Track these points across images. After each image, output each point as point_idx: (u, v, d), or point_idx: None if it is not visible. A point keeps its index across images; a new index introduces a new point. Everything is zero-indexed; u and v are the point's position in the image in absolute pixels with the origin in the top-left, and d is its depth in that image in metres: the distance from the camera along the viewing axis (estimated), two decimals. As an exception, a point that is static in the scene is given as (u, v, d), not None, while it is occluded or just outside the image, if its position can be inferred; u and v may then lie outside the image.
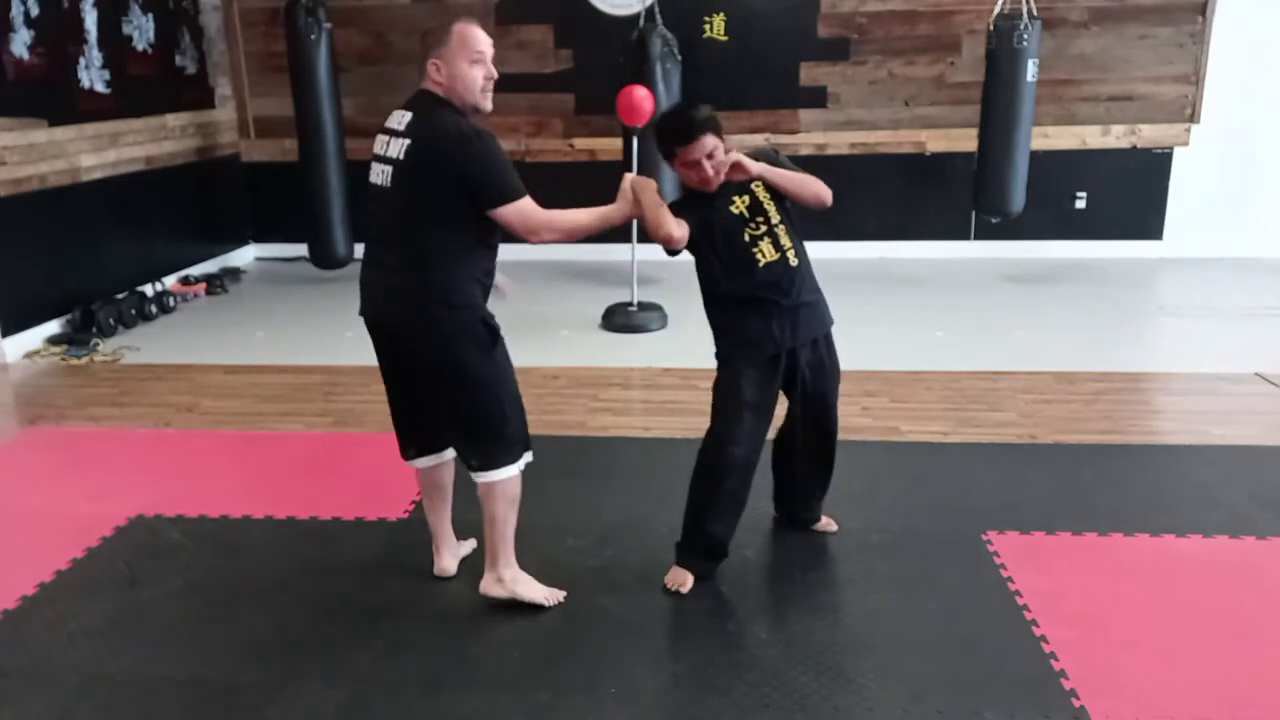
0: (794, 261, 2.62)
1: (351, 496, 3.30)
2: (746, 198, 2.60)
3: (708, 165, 2.54)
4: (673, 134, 2.57)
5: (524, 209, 2.38)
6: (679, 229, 2.51)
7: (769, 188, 2.63)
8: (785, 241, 2.61)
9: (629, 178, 2.60)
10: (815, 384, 2.73)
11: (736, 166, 2.56)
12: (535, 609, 2.62)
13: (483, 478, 2.54)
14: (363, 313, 2.57)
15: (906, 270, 6.52)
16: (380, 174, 2.44)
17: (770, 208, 2.61)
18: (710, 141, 2.53)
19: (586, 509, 3.16)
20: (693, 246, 2.60)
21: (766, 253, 2.58)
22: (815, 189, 2.64)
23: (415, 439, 2.69)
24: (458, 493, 2.80)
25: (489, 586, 2.65)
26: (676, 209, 2.58)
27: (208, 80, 6.80)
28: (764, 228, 2.59)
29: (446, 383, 2.48)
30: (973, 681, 2.29)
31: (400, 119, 2.43)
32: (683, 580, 2.71)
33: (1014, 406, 4.04)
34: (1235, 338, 5.03)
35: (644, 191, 2.55)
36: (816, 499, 2.98)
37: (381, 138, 2.47)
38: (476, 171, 2.35)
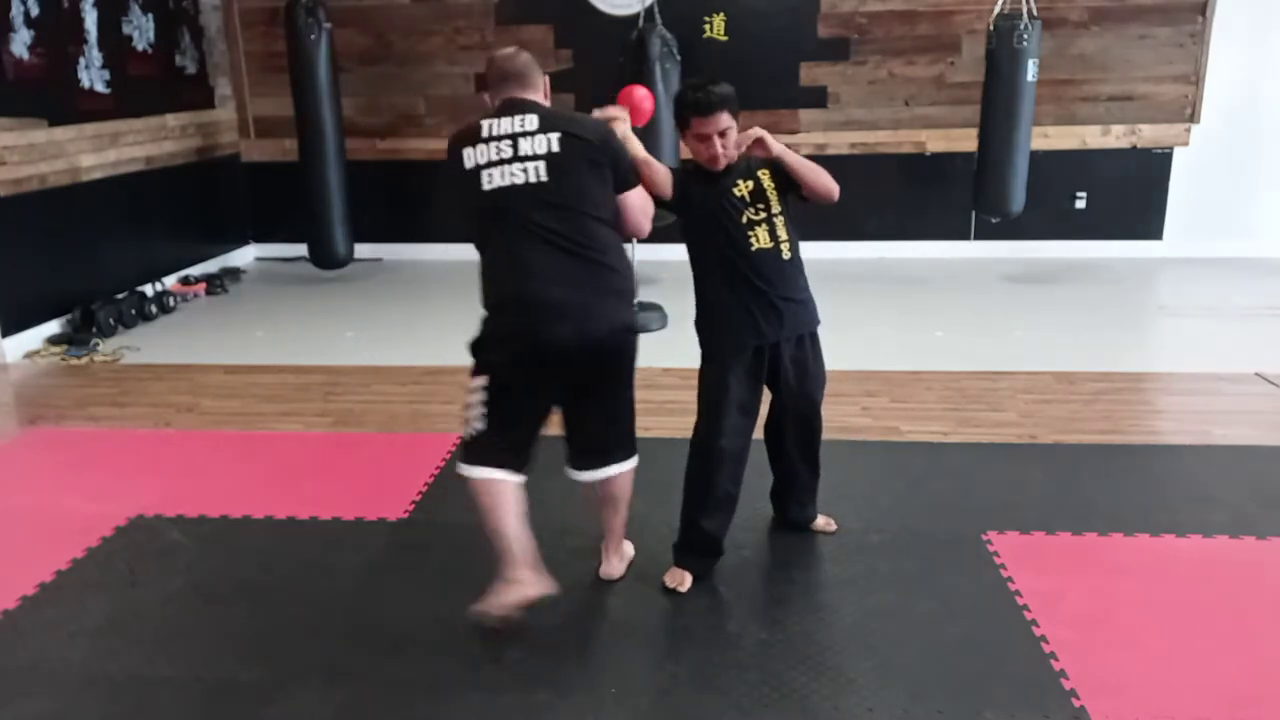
0: (786, 255, 2.63)
1: (351, 496, 3.30)
2: (751, 183, 2.62)
3: (718, 142, 2.56)
4: (692, 104, 2.58)
5: (642, 192, 2.52)
6: (661, 167, 2.60)
7: (775, 177, 2.65)
8: (781, 233, 2.63)
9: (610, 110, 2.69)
10: (800, 383, 2.73)
11: (759, 143, 2.58)
12: (536, 610, 2.62)
13: (630, 464, 2.62)
14: (527, 334, 2.34)
15: (906, 270, 6.52)
16: (520, 173, 2.34)
17: (773, 197, 2.63)
18: (725, 119, 2.55)
19: (587, 509, 3.15)
20: (688, 225, 2.64)
21: (761, 239, 2.60)
22: (825, 180, 2.66)
23: (524, 457, 2.51)
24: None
25: (616, 569, 2.75)
26: (677, 175, 2.63)
27: (208, 80, 6.80)
28: (763, 214, 2.61)
29: (625, 382, 2.51)
30: (973, 681, 2.29)
31: (520, 121, 2.38)
32: (680, 579, 2.71)
33: (1014, 406, 4.04)
34: (1235, 338, 5.03)
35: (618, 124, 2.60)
36: (809, 499, 2.98)
37: (494, 146, 2.37)
38: (621, 153, 2.45)
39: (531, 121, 2.39)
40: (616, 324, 2.41)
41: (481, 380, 2.42)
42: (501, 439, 2.42)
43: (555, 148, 2.36)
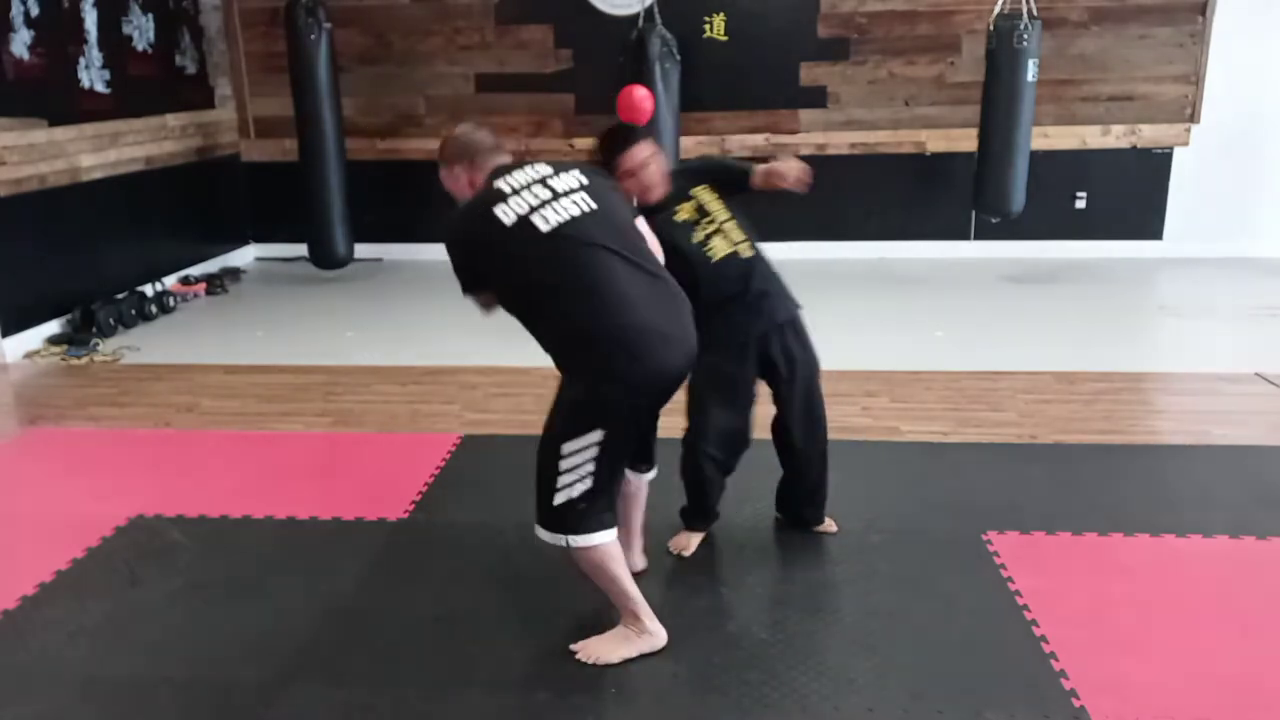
0: (747, 254, 2.70)
1: (351, 496, 3.30)
2: (690, 203, 2.69)
3: (644, 174, 2.62)
4: (610, 144, 2.65)
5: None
6: None
7: (715, 188, 2.71)
8: (736, 236, 2.69)
9: None
10: (793, 373, 2.77)
11: (775, 174, 2.61)
12: (536, 610, 2.63)
13: None
14: (649, 367, 2.24)
15: (906, 270, 6.52)
16: (572, 205, 2.27)
17: (716, 207, 2.70)
18: (646, 149, 2.63)
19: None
20: None
21: (719, 248, 2.66)
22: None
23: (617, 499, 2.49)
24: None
25: (641, 562, 2.76)
26: None
27: (208, 80, 6.80)
28: (712, 226, 2.68)
29: None
30: (973, 681, 2.29)
31: (534, 170, 2.34)
32: (686, 544, 2.86)
33: (1014, 406, 4.03)
34: (1235, 338, 5.03)
35: None
36: (821, 496, 2.97)
37: (526, 194, 2.28)
38: None
39: (544, 168, 2.35)
40: (695, 339, 2.36)
41: (595, 436, 2.24)
42: (609, 493, 2.32)
43: (584, 180, 2.34)
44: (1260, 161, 6.60)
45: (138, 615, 2.64)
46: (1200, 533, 2.96)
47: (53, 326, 5.27)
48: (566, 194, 2.29)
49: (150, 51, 6.14)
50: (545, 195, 2.28)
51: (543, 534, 2.34)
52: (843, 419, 3.89)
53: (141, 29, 6.05)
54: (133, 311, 5.55)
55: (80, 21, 5.48)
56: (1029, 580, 2.71)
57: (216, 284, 6.40)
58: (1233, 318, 5.37)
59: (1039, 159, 6.24)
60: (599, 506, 2.30)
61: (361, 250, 6.59)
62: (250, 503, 3.26)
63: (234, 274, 6.71)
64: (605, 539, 2.32)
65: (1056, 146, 6.61)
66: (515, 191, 2.29)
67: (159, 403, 4.30)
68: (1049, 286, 6.13)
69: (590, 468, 2.25)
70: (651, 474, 2.69)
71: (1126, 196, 6.72)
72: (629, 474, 2.57)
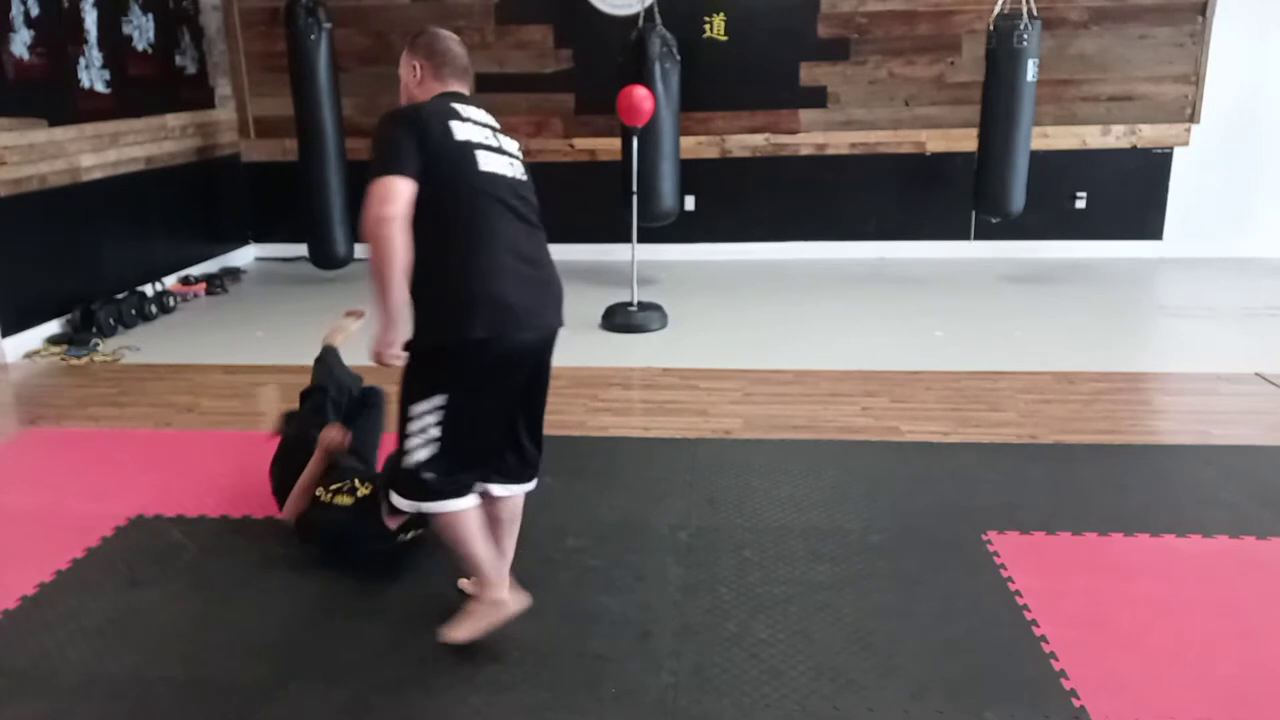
0: None
1: (351, 496, 3.29)
2: None
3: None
4: None
5: None
6: None
7: None
8: None
9: None
10: None
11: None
12: (536, 610, 2.63)
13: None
14: (516, 331, 2.23)
15: (906, 270, 6.52)
16: (508, 166, 2.31)
17: None
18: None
19: (586, 509, 3.16)
20: None
21: None
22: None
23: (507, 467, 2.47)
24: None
25: (523, 599, 2.52)
26: None
27: (208, 80, 6.80)
28: None
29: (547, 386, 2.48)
30: (973, 681, 2.30)
31: (488, 117, 2.40)
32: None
33: (1014, 406, 4.04)
34: (1235, 338, 5.03)
35: None
36: None
37: (476, 129, 2.29)
38: None
39: (494, 121, 2.39)
40: (558, 325, 2.37)
41: (438, 400, 2.22)
42: (497, 434, 2.40)
43: (519, 154, 2.40)
44: (1260, 161, 6.60)
45: (138, 615, 2.64)
46: (1200, 533, 2.96)
47: (53, 326, 5.27)
48: (507, 154, 2.34)
49: (150, 51, 6.14)
50: (492, 143, 2.32)
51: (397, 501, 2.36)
52: (843, 419, 3.90)
53: (141, 29, 6.05)
54: (133, 311, 5.55)
55: (80, 21, 5.48)
56: (1029, 580, 2.71)
57: (216, 284, 6.40)
58: (1233, 318, 5.37)
59: (1039, 159, 6.24)
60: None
61: (361, 250, 6.57)
62: (250, 503, 3.25)
63: (234, 274, 6.71)
64: (454, 506, 2.31)
65: (1056, 146, 6.61)
66: (466, 120, 2.30)
67: (159, 403, 4.30)
68: (1049, 286, 6.13)
69: (436, 432, 2.23)
70: (513, 490, 2.50)
71: (1126, 196, 6.72)
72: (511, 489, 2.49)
